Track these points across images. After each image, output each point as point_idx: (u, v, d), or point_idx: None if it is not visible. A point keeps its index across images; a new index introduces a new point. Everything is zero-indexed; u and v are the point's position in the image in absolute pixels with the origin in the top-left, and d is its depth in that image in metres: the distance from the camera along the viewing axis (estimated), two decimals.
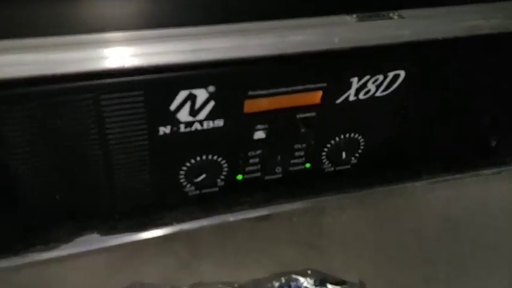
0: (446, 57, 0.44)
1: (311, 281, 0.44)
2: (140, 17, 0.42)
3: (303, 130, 0.45)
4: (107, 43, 0.35)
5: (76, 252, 0.45)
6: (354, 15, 0.37)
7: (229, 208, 0.49)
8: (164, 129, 0.40)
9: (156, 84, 0.37)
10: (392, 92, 0.45)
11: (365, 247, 0.52)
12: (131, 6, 0.43)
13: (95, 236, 0.46)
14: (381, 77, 0.44)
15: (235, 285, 0.45)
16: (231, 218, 0.50)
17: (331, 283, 0.45)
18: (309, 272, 0.45)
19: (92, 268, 0.48)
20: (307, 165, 0.50)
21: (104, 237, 0.46)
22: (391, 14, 0.38)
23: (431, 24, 0.38)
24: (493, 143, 0.53)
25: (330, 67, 0.42)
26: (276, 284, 0.44)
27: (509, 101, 0.50)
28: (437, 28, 0.38)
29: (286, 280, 0.44)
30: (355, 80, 0.43)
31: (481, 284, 0.49)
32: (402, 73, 0.44)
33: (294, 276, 0.45)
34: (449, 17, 0.39)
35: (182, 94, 0.38)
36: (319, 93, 0.43)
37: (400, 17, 0.37)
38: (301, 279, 0.44)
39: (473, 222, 0.55)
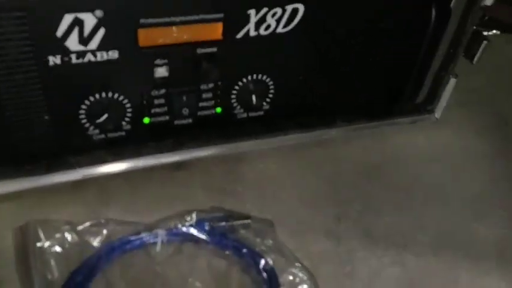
0: None
1: (216, 217, 0.44)
2: None
3: (205, 66, 0.45)
4: None
5: None
6: None
7: (139, 154, 0.49)
8: (54, 59, 0.39)
9: (38, 6, 0.36)
10: (294, 28, 0.46)
11: (280, 191, 0.52)
12: None
13: None
14: (279, 11, 0.44)
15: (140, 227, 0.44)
16: (141, 163, 0.49)
17: (236, 218, 0.44)
18: (214, 209, 0.45)
19: None
20: (218, 109, 0.50)
21: (7, 182, 0.45)
22: None
23: None
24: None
25: None
26: (182, 222, 0.44)
27: (409, 42, 0.51)
28: None
29: (191, 217, 0.44)
30: (252, 12, 0.43)
31: (390, 220, 0.50)
32: (301, 7, 0.45)
33: (199, 213, 0.44)
34: None
35: (67, 18, 0.37)
36: (219, 26, 0.43)
37: None
38: (206, 216, 0.44)
39: (388, 168, 0.56)
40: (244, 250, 0.43)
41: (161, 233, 0.43)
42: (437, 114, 0.59)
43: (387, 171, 0.55)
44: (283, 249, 0.44)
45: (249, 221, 0.44)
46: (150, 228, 0.44)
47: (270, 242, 0.44)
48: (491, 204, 0.53)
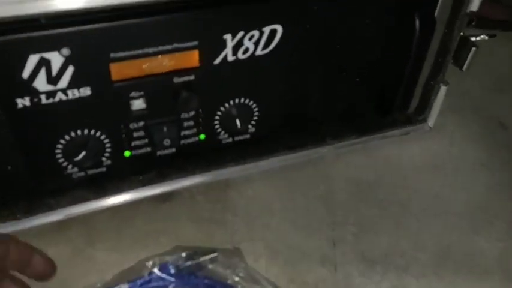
0: (319, 8, 0.43)
1: (181, 258, 0.42)
2: None
3: (183, 96, 0.43)
4: None
5: None
6: None
7: (121, 188, 0.47)
8: (23, 102, 0.38)
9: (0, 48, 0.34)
10: (273, 49, 0.44)
11: (271, 217, 0.50)
12: None
13: None
14: (256, 33, 0.42)
15: (98, 285, 0.42)
16: (124, 198, 0.47)
17: (202, 254, 0.42)
18: (179, 250, 0.43)
19: None
20: (202, 136, 0.48)
21: None
22: None
23: None
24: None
25: (198, 23, 0.40)
26: (145, 272, 0.42)
27: (395, 53, 0.49)
28: None
29: (152, 264, 0.42)
30: (228, 36, 0.42)
31: (389, 240, 0.48)
32: (279, 28, 0.43)
33: (162, 257, 0.42)
34: None
35: (33, 59, 0.36)
36: (195, 54, 0.42)
37: None
38: (170, 259, 0.42)
39: (383, 183, 0.54)
40: (218, 287, 0.41)
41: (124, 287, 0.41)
42: (431, 122, 0.57)
43: (382, 187, 0.53)
44: (256, 276, 0.42)
45: (215, 254, 0.42)
46: (111, 284, 0.42)
47: (242, 271, 0.42)
48: (490, 215, 0.51)
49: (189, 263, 0.41)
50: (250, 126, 0.49)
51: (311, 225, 0.49)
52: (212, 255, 0.42)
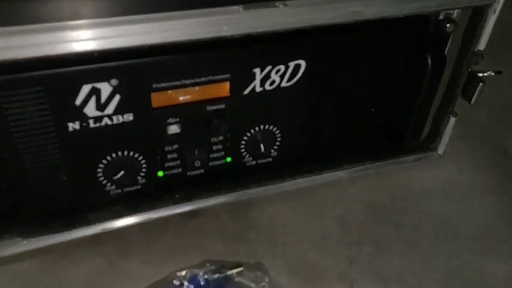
0: (340, 45, 0.47)
1: (209, 270, 0.45)
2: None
3: (215, 122, 0.47)
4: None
5: None
6: (240, 5, 0.40)
7: (154, 206, 0.51)
8: (73, 125, 0.42)
9: (56, 80, 0.39)
10: (297, 81, 0.48)
11: (290, 235, 0.53)
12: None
13: (17, 240, 0.47)
14: (282, 67, 0.47)
15: None
16: (156, 215, 0.51)
17: (229, 268, 0.46)
18: (207, 263, 0.46)
19: (18, 274, 0.49)
20: (228, 159, 0.52)
21: (28, 240, 0.47)
22: (276, 3, 0.41)
23: (314, 11, 0.41)
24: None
25: (231, 58, 0.44)
26: (176, 282, 0.45)
27: (409, 87, 0.53)
28: (320, 15, 0.41)
29: (183, 276, 0.45)
30: (257, 70, 0.46)
31: (402, 260, 0.51)
32: (303, 63, 0.47)
33: (191, 269, 0.46)
34: (330, 4, 0.42)
35: (85, 88, 0.40)
36: (227, 85, 0.46)
37: (285, 5, 0.40)
38: (199, 271, 0.45)
39: (396, 207, 0.57)
40: None
41: None
42: (440, 150, 0.61)
43: (395, 209, 0.57)
44: None
45: (241, 268, 0.46)
46: None
47: (266, 284, 0.45)
48: (498, 239, 0.54)
49: (217, 275, 0.45)
50: (272, 150, 0.53)
51: (328, 244, 0.52)
52: (238, 269, 0.45)
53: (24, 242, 0.47)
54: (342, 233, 0.54)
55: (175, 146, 0.48)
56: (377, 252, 0.52)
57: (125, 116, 0.44)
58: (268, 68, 0.46)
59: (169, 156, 0.49)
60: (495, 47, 0.53)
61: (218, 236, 0.52)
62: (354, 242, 0.53)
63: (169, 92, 0.44)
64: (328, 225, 0.55)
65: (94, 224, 0.48)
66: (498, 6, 0.49)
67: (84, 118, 0.42)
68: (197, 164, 0.50)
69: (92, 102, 0.41)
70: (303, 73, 0.48)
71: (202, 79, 0.44)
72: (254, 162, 0.54)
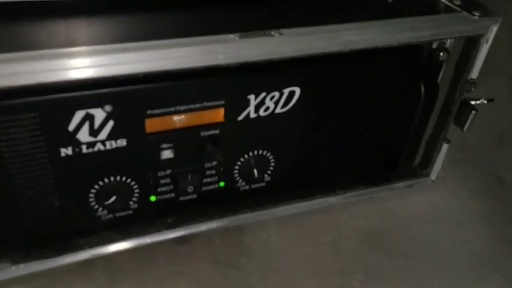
0: (335, 73, 0.48)
1: None
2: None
3: (209, 148, 0.47)
4: None
5: None
6: (236, 34, 0.40)
7: (145, 231, 0.50)
8: (66, 151, 0.42)
9: (50, 105, 0.39)
10: (291, 108, 0.48)
11: (282, 262, 0.53)
12: (16, 26, 0.42)
13: (6, 265, 0.46)
14: (277, 94, 0.47)
15: None
16: (148, 240, 0.50)
17: None
18: None
19: None
20: (221, 184, 0.52)
21: (17, 266, 0.46)
22: (272, 32, 0.41)
23: (310, 40, 0.41)
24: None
25: (226, 85, 0.45)
26: None
27: (402, 115, 0.53)
28: (316, 44, 0.42)
29: None
30: (252, 97, 0.46)
31: (394, 287, 0.51)
32: (297, 90, 0.48)
33: None
34: (325, 33, 0.42)
35: (79, 114, 0.40)
36: (221, 111, 0.46)
37: (280, 34, 0.41)
38: None
39: (389, 234, 0.57)
40: None
41: None
42: (433, 176, 0.61)
43: (387, 236, 0.57)
44: None
45: None
46: None
47: None
48: (490, 267, 0.54)
49: None
50: (266, 175, 0.53)
51: (320, 271, 0.52)
52: None
53: (14, 268, 0.46)
54: (335, 260, 0.53)
55: (169, 171, 0.48)
56: (369, 280, 0.51)
57: (118, 141, 0.43)
58: (263, 94, 0.46)
59: (162, 181, 0.48)
60: (487, 69, 0.54)
61: (210, 263, 0.52)
62: (346, 269, 0.52)
63: (164, 117, 0.44)
64: (321, 251, 0.54)
65: (84, 250, 0.48)
66: (491, 36, 0.50)
67: (77, 144, 0.42)
68: (190, 189, 0.50)
69: (85, 128, 0.41)
70: (297, 100, 0.48)
71: (197, 105, 0.44)
72: (247, 187, 0.54)
